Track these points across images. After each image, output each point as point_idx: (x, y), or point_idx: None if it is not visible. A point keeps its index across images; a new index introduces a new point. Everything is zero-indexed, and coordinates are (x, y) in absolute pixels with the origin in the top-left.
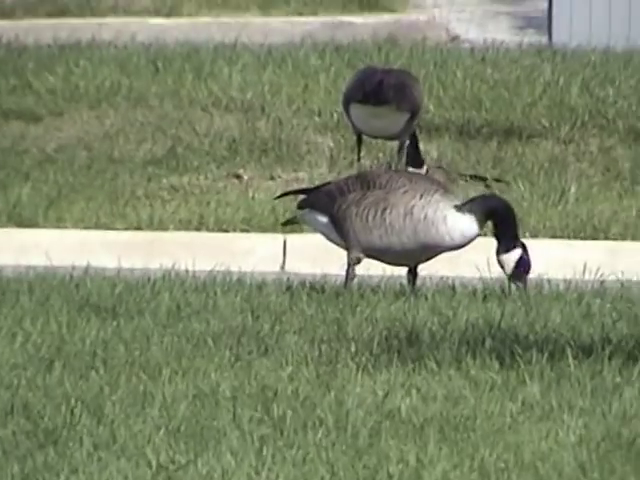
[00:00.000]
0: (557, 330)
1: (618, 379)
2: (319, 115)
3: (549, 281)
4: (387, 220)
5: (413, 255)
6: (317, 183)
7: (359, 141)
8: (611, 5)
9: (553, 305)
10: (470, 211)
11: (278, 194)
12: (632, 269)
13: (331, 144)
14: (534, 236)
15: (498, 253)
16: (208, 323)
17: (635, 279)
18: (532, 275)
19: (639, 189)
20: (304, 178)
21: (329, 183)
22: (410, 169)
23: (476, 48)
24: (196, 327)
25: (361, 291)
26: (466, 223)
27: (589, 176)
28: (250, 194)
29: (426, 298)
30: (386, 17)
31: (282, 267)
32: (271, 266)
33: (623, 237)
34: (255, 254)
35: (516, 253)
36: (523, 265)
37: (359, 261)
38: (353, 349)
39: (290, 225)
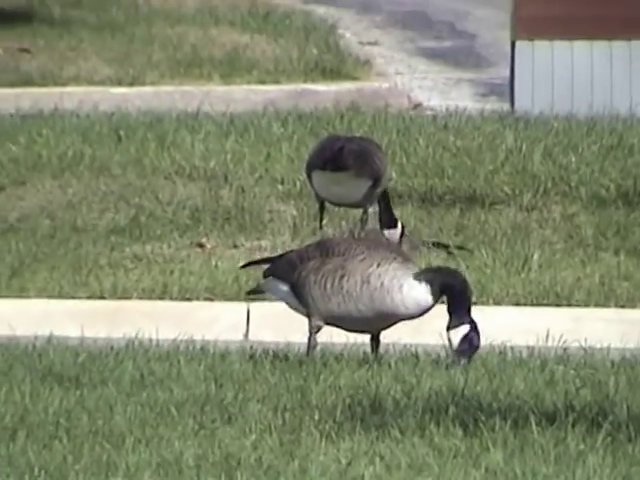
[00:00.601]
0: (520, 397)
1: (582, 446)
2: (282, 183)
3: (512, 348)
4: (344, 288)
5: (371, 323)
6: (280, 251)
7: (321, 209)
8: (573, 72)
9: (516, 372)
10: (426, 281)
11: (242, 264)
12: (595, 336)
13: (294, 212)
14: (497, 303)
15: (448, 329)
16: (172, 392)
17: (598, 346)
18: (496, 342)
19: (602, 256)
20: (267, 246)
21: (292, 251)
22: (386, 232)
23: (438, 115)
24: (160, 396)
25: (324, 359)
26: (421, 293)
27: (552, 243)
28: (213, 263)
29: (389, 366)
30: (348, 85)
31: (245, 335)
32: (234, 335)
33: (586, 304)
34: (218, 323)
35: (463, 329)
36: (469, 342)
37: (319, 329)
38: (316, 417)
39: (254, 295)
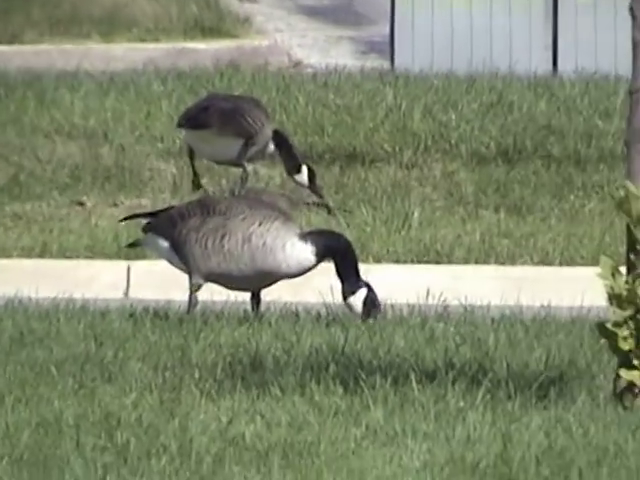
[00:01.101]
0: (401, 355)
1: (462, 403)
2: (162, 141)
3: (392, 306)
4: (225, 247)
5: (252, 281)
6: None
7: (192, 164)
8: (453, 29)
9: (397, 330)
10: (310, 242)
11: (122, 217)
12: (475, 293)
13: (174, 170)
14: (377, 261)
15: (344, 297)
16: (51, 350)
17: (478, 303)
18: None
19: (482, 213)
20: (147, 205)
21: (172, 207)
22: (296, 177)
23: (318, 73)
24: (39, 355)
25: (205, 317)
26: (303, 253)
27: (432, 200)
28: (93, 221)
29: (270, 324)
30: (228, 43)
31: (126, 294)
32: (115, 293)
33: (466, 261)
34: (99, 281)
35: (362, 293)
36: (372, 304)
37: (200, 287)
38: (197, 375)
39: (134, 247)
